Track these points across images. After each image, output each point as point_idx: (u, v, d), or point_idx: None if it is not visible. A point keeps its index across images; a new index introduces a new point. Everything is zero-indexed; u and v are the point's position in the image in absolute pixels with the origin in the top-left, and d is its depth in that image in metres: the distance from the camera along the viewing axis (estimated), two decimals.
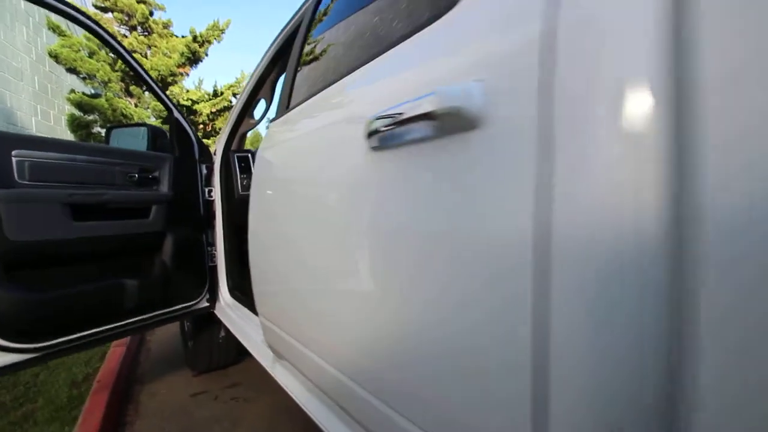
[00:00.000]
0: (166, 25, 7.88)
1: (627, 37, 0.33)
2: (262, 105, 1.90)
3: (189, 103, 8.26)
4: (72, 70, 6.59)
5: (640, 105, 0.31)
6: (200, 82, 9.48)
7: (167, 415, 1.84)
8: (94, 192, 1.41)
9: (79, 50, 6.58)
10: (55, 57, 6.25)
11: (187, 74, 8.23)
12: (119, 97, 7.37)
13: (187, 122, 1.84)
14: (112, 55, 7.10)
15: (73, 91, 6.76)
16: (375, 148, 0.60)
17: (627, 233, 0.31)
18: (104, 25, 1.54)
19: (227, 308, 1.92)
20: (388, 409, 0.60)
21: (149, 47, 7.87)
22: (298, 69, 1.15)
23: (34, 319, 1.26)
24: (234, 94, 8.61)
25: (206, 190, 1.93)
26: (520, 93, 0.40)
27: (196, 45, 7.81)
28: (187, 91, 8.33)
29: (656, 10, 0.31)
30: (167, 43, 7.79)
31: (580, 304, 0.34)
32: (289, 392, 1.05)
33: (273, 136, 1.16)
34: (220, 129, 9.42)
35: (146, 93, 7.79)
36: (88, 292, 1.40)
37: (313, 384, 0.92)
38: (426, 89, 0.50)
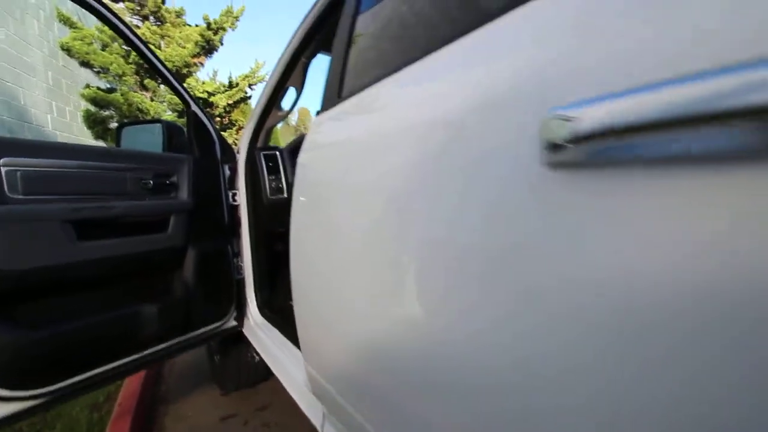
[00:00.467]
0: (178, 14, 7.63)
1: None
2: (291, 94, 1.64)
3: (205, 95, 8.06)
4: (85, 64, 6.42)
5: None
6: (215, 73, 9.26)
7: None
8: (101, 205, 1.18)
9: (92, 43, 6.39)
10: (67, 50, 6.09)
11: (202, 64, 8.00)
12: (134, 91, 7.21)
13: (207, 117, 1.60)
14: (126, 47, 6.91)
15: (87, 86, 6.61)
16: (560, 166, 0.34)
17: None
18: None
19: (257, 328, 1.70)
20: None
21: (162, 37, 7.65)
22: (350, 48, 0.88)
23: (32, 361, 1.05)
24: (250, 85, 8.37)
25: (230, 193, 1.70)
26: None
27: (211, 33, 7.55)
28: (203, 82, 8.12)
29: None
30: (180, 32, 7.56)
31: None
32: None
33: (323, 132, 0.90)
34: (236, 121, 9.25)
35: (161, 86, 7.60)
36: (96, 324, 1.18)
37: None
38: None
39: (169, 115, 7.39)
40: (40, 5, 5.95)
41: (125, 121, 6.01)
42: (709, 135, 0.24)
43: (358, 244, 0.69)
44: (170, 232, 1.39)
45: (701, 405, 0.27)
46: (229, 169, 1.70)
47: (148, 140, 1.66)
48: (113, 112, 6.78)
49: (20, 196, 1.05)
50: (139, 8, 7.43)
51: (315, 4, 1.22)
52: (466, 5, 0.57)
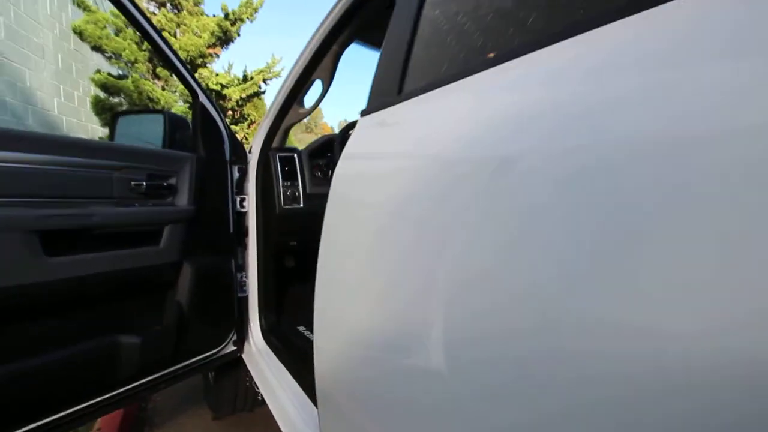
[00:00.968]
0: (196, 2, 7.44)
1: None
2: (316, 88, 1.41)
3: (218, 87, 7.86)
4: (97, 49, 6.24)
5: None
6: (230, 66, 9.06)
7: None
8: (77, 212, 0.95)
9: (105, 27, 6.20)
10: (79, 33, 5.90)
11: (218, 55, 7.80)
12: (146, 79, 7.02)
13: (217, 110, 1.37)
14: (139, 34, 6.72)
15: (98, 71, 6.43)
16: None
17: None
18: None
19: (258, 355, 1.47)
20: None
21: (178, 26, 7.46)
22: (415, 34, 0.64)
23: None
24: (264, 80, 8.15)
25: (237, 199, 1.47)
26: None
27: (228, 23, 7.34)
28: (217, 74, 7.92)
29: None
30: (197, 21, 7.36)
31: None
32: None
33: (375, 137, 0.66)
34: (248, 115, 9.05)
35: (173, 75, 7.41)
36: (64, 359, 0.95)
37: None
38: None
39: (180, 107, 7.19)
40: None
41: (122, 109, 5.79)
42: None
43: (420, 286, 0.46)
44: (163, 245, 1.16)
45: None
46: (239, 170, 1.47)
47: (147, 133, 1.43)
48: (123, 100, 6.59)
49: None
50: None
51: None
52: None
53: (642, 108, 0.29)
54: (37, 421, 0.92)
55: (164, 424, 1.80)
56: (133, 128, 1.44)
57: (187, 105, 7.22)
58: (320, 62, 1.30)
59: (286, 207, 1.48)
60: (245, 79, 8.18)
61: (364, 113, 0.70)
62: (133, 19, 1.12)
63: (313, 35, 1.24)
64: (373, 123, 0.66)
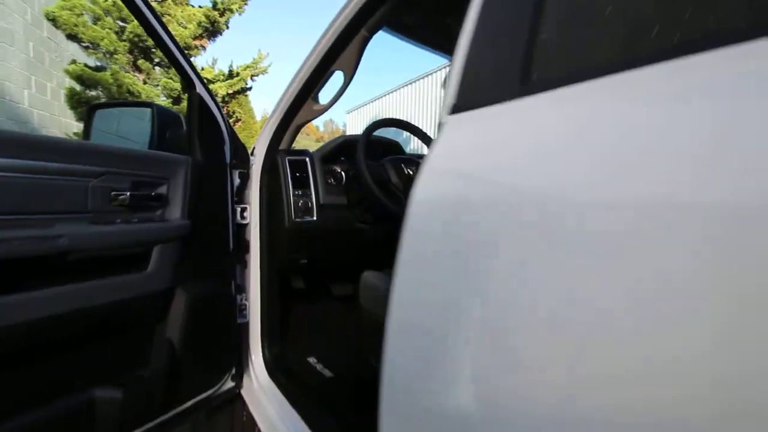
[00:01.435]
0: None
1: None
2: (336, 81, 1.19)
3: None
4: (73, 37, 5.82)
5: None
6: (214, 61, 8.67)
7: None
8: (38, 234, 0.72)
9: (82, 14, 5.79)
10: (52, 20, 5.48)
11: (204, 48, 7.42)
12: (126, 72, 6.62)
13: (216, 103, 1.14)
14: (120, 23, 6.32)
15: (74, 61, 6.02)
16: None
17: None
18: None
19: (260, 392, 1.27)
20: None
21: (162, 15, 7.09)
22: (541, 11, 0.44)
23: None
24: (252, 76, 7.83)
25: (238, 209, 1.25)
26: None
27: (216, 14, 6.99)
28: (202, 69, 7.56)
29: None
30: (183, 11, 7.00)
31: None
32: None
33: (484, 140, 0.45)
34: (233, 112, 8.69)
35: (156, 69, 7.02)
36: (24, 429, 0.72)
37: None
38: None
39: (162, 102, 6.82)
40: None
41: (100, 102, 5.40)
42: None
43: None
44: (151, 269, 0.93)
45: None
46: (240, 176, 1.24)
47: (131, 131, 1.20)
48: (101, 93, 6.18)
49: None
50: None
51: None
52: None
53: None
54: None
55: None
56: (113, 124, 1.20)
57: (170, 101, 6.87)
58: (343, 50, 1.10)
59: (298, 220, 1.26)
60: (231, 74, 7.83)
61: (455, 110, 0.49)
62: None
63: (336, 18, 1.03)
64: (478, 120, 0.46)
